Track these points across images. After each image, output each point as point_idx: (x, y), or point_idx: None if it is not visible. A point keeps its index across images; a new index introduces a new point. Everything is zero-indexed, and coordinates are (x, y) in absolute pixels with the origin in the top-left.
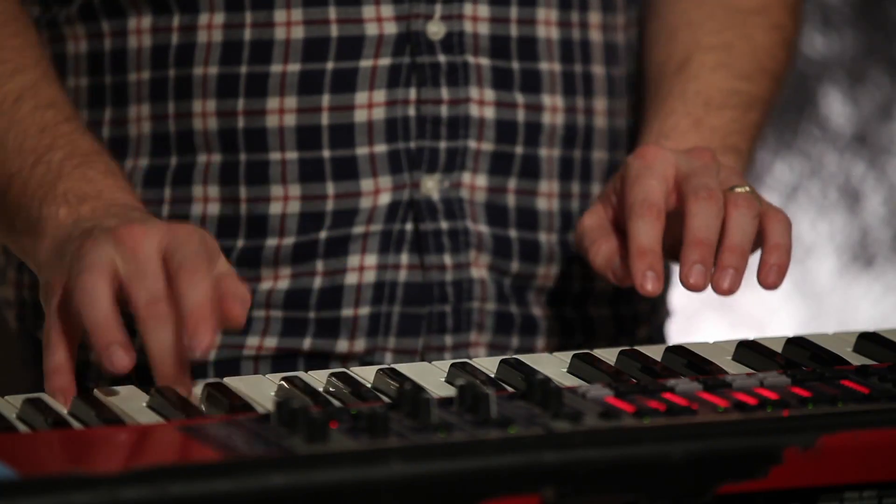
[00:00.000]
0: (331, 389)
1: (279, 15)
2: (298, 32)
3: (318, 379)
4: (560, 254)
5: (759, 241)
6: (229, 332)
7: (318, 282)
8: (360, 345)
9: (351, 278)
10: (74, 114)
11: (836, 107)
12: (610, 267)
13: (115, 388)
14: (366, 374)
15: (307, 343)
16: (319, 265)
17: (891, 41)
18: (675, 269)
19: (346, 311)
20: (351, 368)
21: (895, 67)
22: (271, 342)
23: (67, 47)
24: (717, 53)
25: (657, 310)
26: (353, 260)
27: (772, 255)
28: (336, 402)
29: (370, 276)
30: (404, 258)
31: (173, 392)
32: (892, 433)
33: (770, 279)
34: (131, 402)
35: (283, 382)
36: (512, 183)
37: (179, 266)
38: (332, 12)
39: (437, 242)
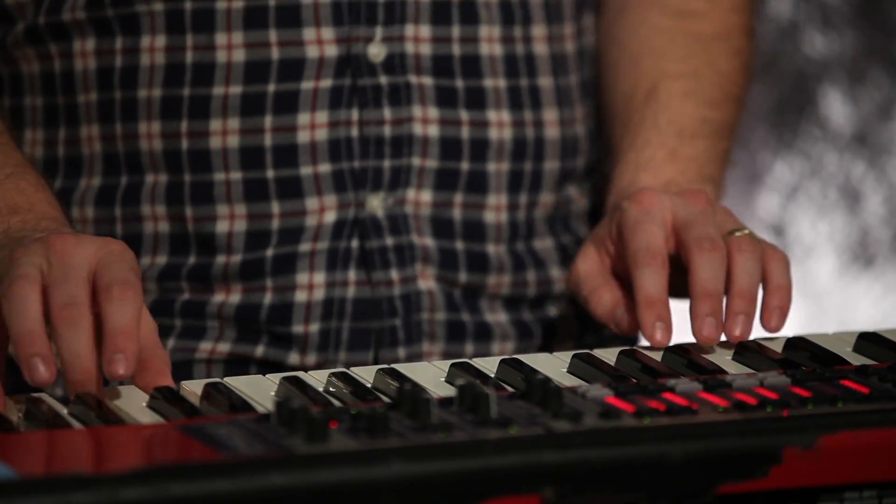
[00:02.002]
0: (331, 389)
1: (220, 38)
2: (239, 55)
3: (318, 379)
4: (510, 263)
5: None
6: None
7: (268, 298)
8: (312, 359)
9: (300, 296)
10: (4, 129)
11: (836, 107)
12: (613, 318)
13: (117, 387)
14: (366, 374)
15: (260, 350)
16: (268, 282)
17: (891, 41)
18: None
19: (297, 328)
20: (351, 368)
21: (895, 67)
22: (224, 347)
23: (21, 67)
24: (685, 81)
25: None
26: (302, 277)
27: (774, 297)
28: (336, 402)
29: (319, 294)
30: (352, 275)
31: (173, 392)
32: (891, 433)
33: (773, 322)
34: (131, 402)
35: (283, 382)
36: (458, 197)
37: (111, 283)
38: (273, 35)
39: (383, 258)
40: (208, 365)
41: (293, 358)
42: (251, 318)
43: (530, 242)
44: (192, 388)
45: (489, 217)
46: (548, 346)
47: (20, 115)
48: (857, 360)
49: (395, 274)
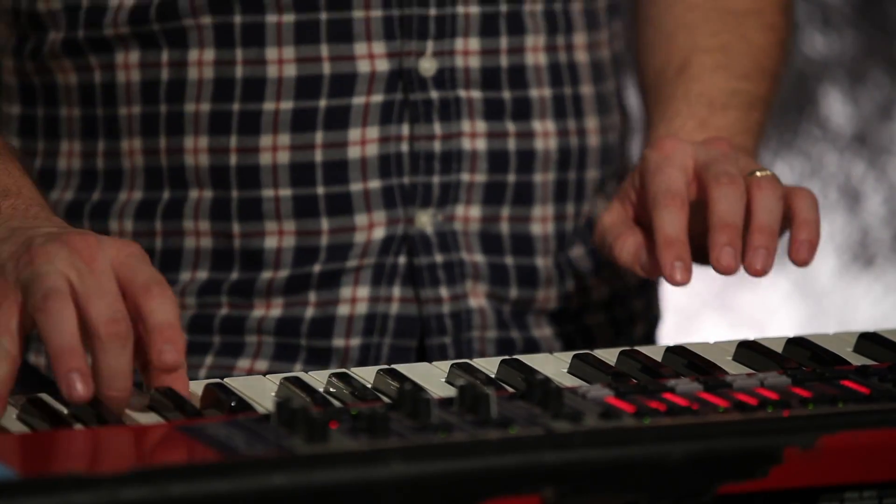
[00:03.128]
0: (331, 390)
1: (270, 53)
2: (291, 70)
3: (318, 379)
4: (557, 275)
5: (785, 222)
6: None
7: (309, 311)
8: None
9: (343, 309)
10: None
11: (837, 107)
12: (637, 261)
13: None
14: (366, 375)
15: (298, 368)
16: (312, 296)
17: (891, 41)
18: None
19: (338, 342)
20: (351, 369)
21: (895, 67)
22: (262, 365)
23: (57, 78)
24: (716, 55)
25: (651, 307)
26: (346, 292)
27: (801, 231)
28: (336, 403)
29: (362, 308)
30: (396, 291)
31: (173, 392)
32: (892, 433)
33: (802, 255)
34: (132, 403)
35: (283, 383)
36: (505, 211)
37: (150, 282)
38: (324, 50)
39: (432, 275)
40: None
41: None
42: (291, 333)
43: (569, 252)
44: (193, 389)
45: (536, 229)
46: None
47: (55, 126)
48: (857, 360)
49: (444, 291)
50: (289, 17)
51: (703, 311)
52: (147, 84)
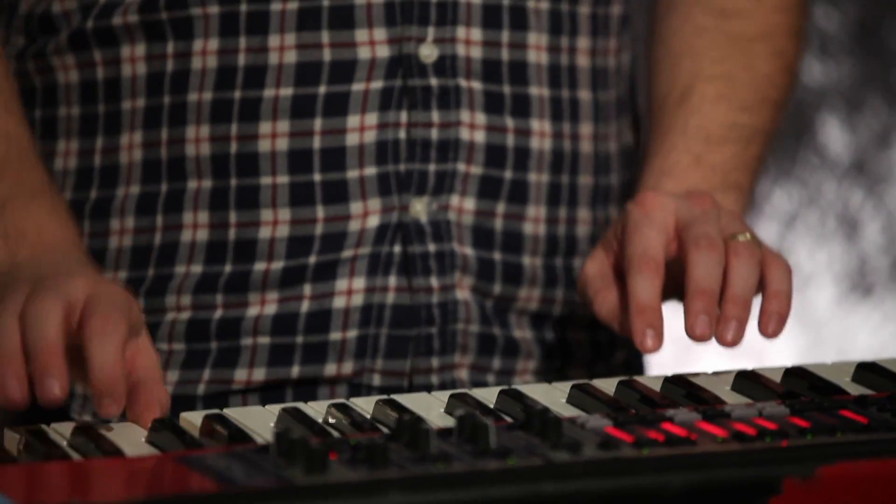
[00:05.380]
0: (330, 420)
1: (273, 40)
2: (291, 57)
3: (317, 410)
4: (543, 277)
5: (759, 286)
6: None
7: (305, 306)
8: (348, 367)
9: (339, 302)
10: (29, 146)
11: (834, 135)
12: (615, 318)
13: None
14: (365, 405)
15: (295, 371)
16: (307, 289)
17: (888, 69)
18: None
19: (335, 335)
20: (350, 399)
21: (893, 95)
22: (259, 374)
23: (57, 77)
24: (719, 84)
25: None
26: (342, 283)
27: (772, 302)
28: (335, 433)
29: (358, 300)
30: (392, 280)
31: (172, 424)
32: (890, 463)
33: (771, 327)
34: (131, 434)
35: (282, 413)
36: (500, 207)
37: (91, 315)
38: (325, 36)
39: (424, 265)
40: (244, 396)
41: (329, 369)
42: (287, 331)
43: (570, 259)
44: (192, 420)
45: (528, 229)
46: (564, 370)
47: (53, 127)
48: (855, 389)
49: (434, 281)
50: (293, 5)
51: None
52: (152, 76)
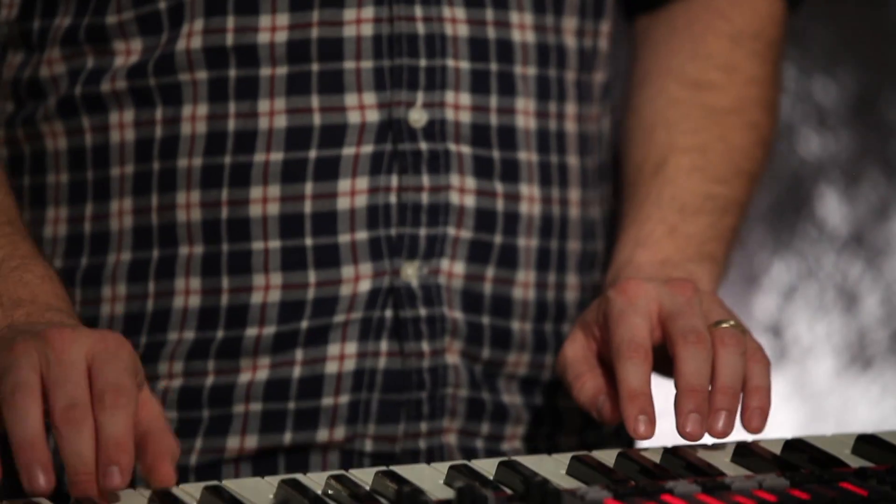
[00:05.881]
0: (329, 492)
1: (262, 105)
2: (281, 121)
3: (315, 481)
4: (532, 342)
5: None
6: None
7: (297, 371)
8: (340, 433)
9: (331, 367)
10: (17, 216)
11: (833, 207)
12: (595, 405)
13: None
14: (364, 476)
15: (287, 437)
16: (299, 354)
17: (885, 142)
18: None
19: (327, 400)
20: (349, 471)
21: (890, 167)
22: (251, 441)
23: (46, 144)
24: (693, 155)
25: None
26: (334, 349)
27: (753, 398)
28: None
29: (350, 364)
30: (384, 345)
31: (171, 496)
32: None
33: (754, 423)
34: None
35: (280, 485)
36: (490, 271)
37: (104, 390)
38: (315, 100)
39: (415, 329)
40: (237, 464)
41: (322, 435)
42: (279, 397)
43: (559, 325)
44: (191, 491)
45: (517, 293)
46: (553, 437)
47: (41, 194)
48: (855, 462)
49: (425, 346)
50: (282, 70)
51: None
52: (141, 142)
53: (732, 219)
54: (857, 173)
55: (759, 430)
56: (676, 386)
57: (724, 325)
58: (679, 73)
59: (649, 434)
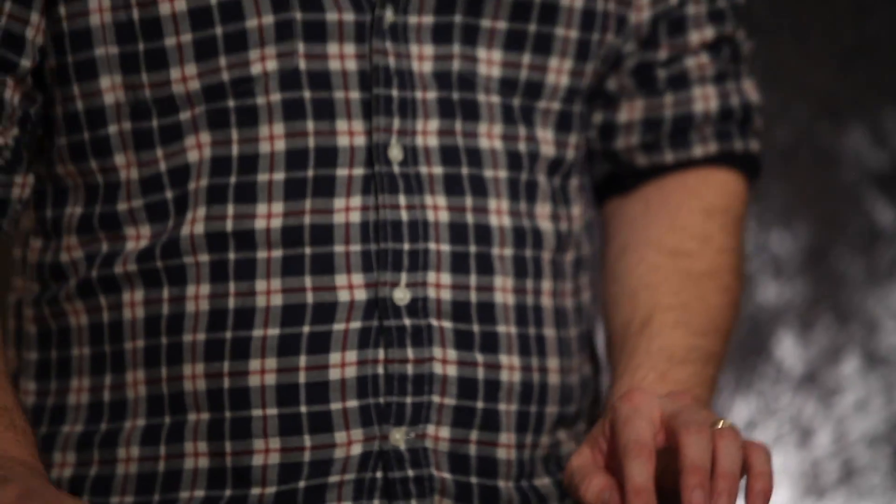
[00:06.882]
0: None
1: (260, 284)
2: (277, 300)
3: None
4: (518, 499)
5: (742, 470)
6: None
7: None
8: None
9: None
10: (3, 369)
11: (789, 350)
12: (601, 498)
13: None
14: None
15: None
16: None
17: (837, 290)
18: None
19: None
20: None
21: (841, 314)
22: None
23: (70, 321)
24: (677, 312)
25: None
26: None
27: (757, 482)
28: None
29: None
30: None
31: None
32: None
33: (759, 503)
34: None
35: None
36: (473, 434)
37: None
38: (308, 281)
39: (404, 489)
40: None
41: None
42: None
43: (532, 481)
44: None
45: (501, 454)
46: None
47: (67, 366)
48: None
49: None
50: (277, 253)
51: None
52: (150, 319)
53: (713, 369)
54: (811, 319)
55: None
56: (680, 468)
57: (721, 425)
58: (657, 242)
59: None
